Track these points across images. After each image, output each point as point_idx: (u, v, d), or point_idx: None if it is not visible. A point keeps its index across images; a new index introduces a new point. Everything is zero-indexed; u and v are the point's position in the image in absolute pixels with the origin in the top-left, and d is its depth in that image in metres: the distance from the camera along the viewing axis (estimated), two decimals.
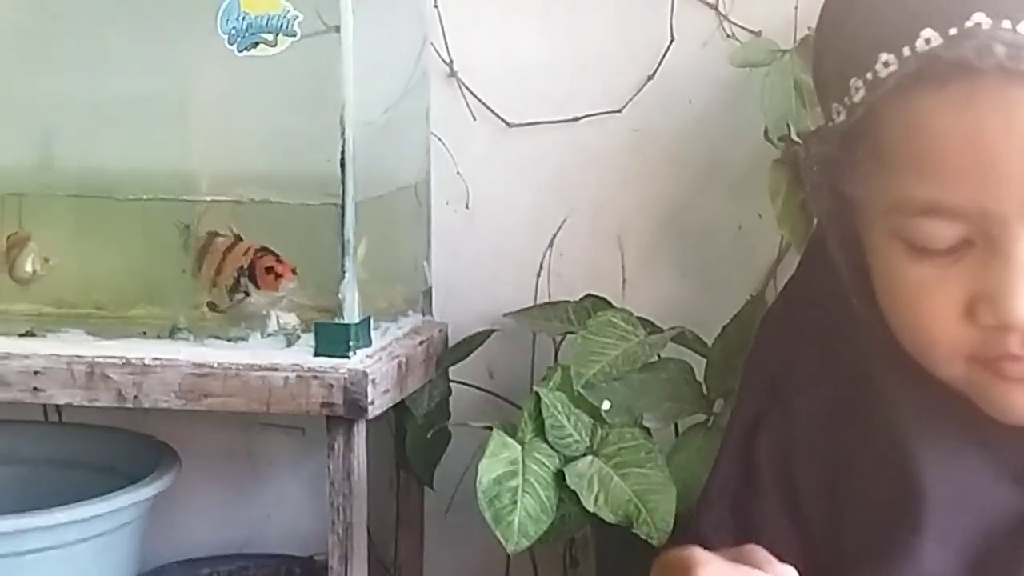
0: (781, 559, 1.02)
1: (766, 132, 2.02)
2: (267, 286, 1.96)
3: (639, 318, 2.04)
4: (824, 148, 0.97)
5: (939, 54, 0.90)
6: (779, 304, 1.15)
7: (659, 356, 2.02)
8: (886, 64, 0.92)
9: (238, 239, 2.00)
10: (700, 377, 2.02)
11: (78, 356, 1.96)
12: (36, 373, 1.96)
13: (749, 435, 1.10)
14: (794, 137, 1.98)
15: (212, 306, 2.02)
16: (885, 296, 0.99)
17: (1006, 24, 0.89)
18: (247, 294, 1.98)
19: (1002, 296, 0.92)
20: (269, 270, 1.96)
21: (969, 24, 0.90)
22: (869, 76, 0.93)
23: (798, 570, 1.00)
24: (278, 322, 1.99)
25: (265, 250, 1.98)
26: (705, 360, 2.03)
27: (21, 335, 2.03)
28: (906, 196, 0.94)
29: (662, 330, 2.05)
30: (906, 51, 0.91)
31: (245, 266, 1.97)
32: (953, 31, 0.90)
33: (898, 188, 0.94)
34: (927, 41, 0.91)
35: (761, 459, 1.08)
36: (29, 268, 2.07)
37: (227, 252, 1.99)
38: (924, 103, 0.92)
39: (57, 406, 2.25)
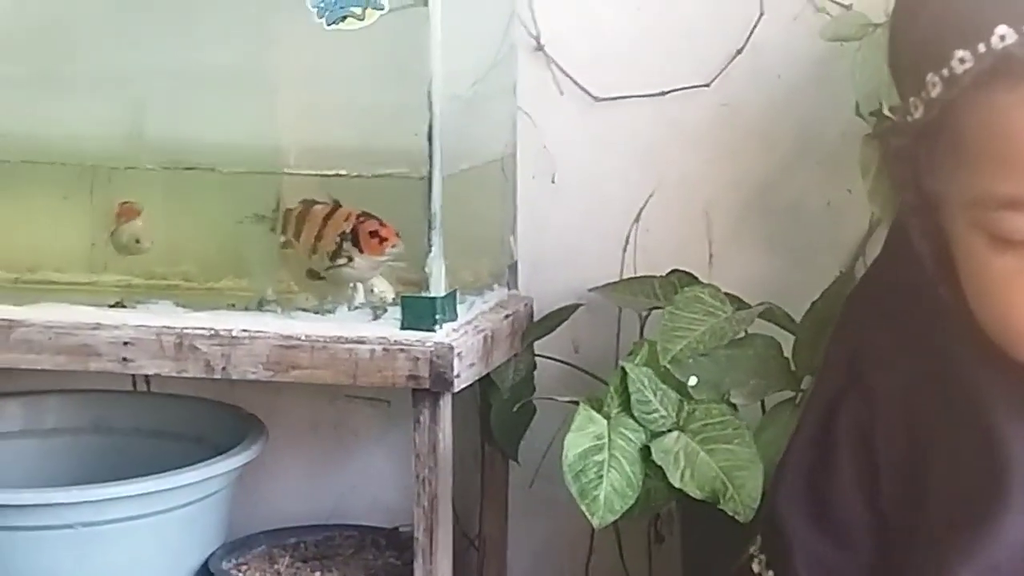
0: (854, 535, 1.07)
1: (857, 107, 2.00)
2: (371, 250, 1.97)
3: (726, 294, 2.03)
4: (903, 142, 0.99)
5: (1013, 52, 0.91)
6: (862, 287, 1.16)
7: (746, 332, 2.01)
8: (962, 61, 0.93)
9: (337, 205, 2.01)
10: (788, 354, 2.00)
11: (167, 327, 1.99)
12: (125, 344, 1.99)
13: (827, 413, 1.11)
14: (886, 112, 1.96)
15: (312, 274, 2.02)
16: (970, 287, 1.00)
17: None
18: (350, 259, 1.98)
19: None
20: (373, 234, 1.97)
21: None
22: (945, 72, 0.94)
23: (870, 546, 1.04)
24: (372, 291, 1.99)
25: (367, 215, 1.99)
26: (793, 337, 2.01)
27: (111, 306, 2.05)
28: (986, 191, 0.95)
29: (749, 306, 2.04)
30: (981, 48, 0.92)
31: (348, 231, 1.98)
32: None
33: (978, 183, 0.95)
34: (1002, 38, 0.92)
35: (839, 437, 1.10)
36: (124, 240, 2.09)
37: (327, 218, 2.00)
38: (1001, 100, 0.93)
39: (146, 376, 2.28)
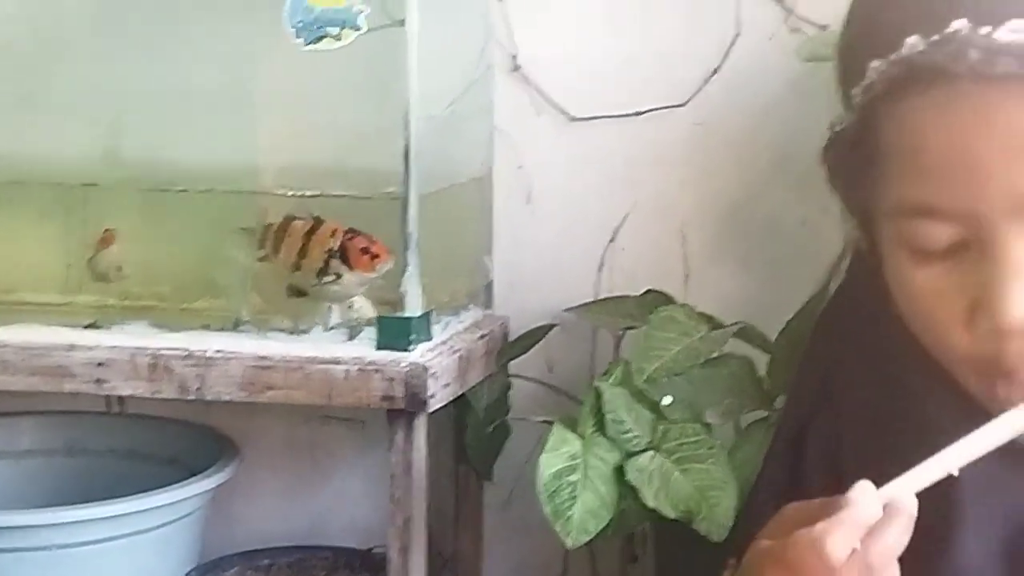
0: None
1: (832, 127, 2.01)
2: (362, 267, 1.96)
3: (701, 313, 2.05)
4: (836, 157, 1.02)
5: (917, 59, 0.95)
6: (830, 307, 1.17)
7: (721, 352, 2.02)
8: (876, 70, 0.96)
9: (319, 221, 2.00)
10: (762, 373, 2.02)
11: (141, 348, 1.99)
12: (100, 364, 1.99)
13: (797, 437, 1.13)
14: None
15: (295, 291, 2.01)
16: (900, 302, 1.02)
17: (984, 30, 0.93)
18: (338, 276, 1.97)
19: (993, 298, 0.94)
20: (364, 251, 1.96)
21: (949, 30, 0.94)
22: (865, 82, 0.97)
23: None
24: (351, 307, 1.99)
25: (354, 231, 1.98)
26: (768, 356, 2.03)
27: (86, 327, 2.06)
28: (900, 198, 0.97)
29: (724, 325, 2.05)
30: (893, 57, 0.95)
31: (335, 247, 1.97)
32: (935, 37, 0.94)
33: (894, 191, 0.98)
34: (912, 46, 0.95)
35: (808, 461, 1.11)
36: (103, 268, 2.10)
37: (310, 234, 1.99)
38: (910, 105, 0.96)
39: (120, 397, 2.29)
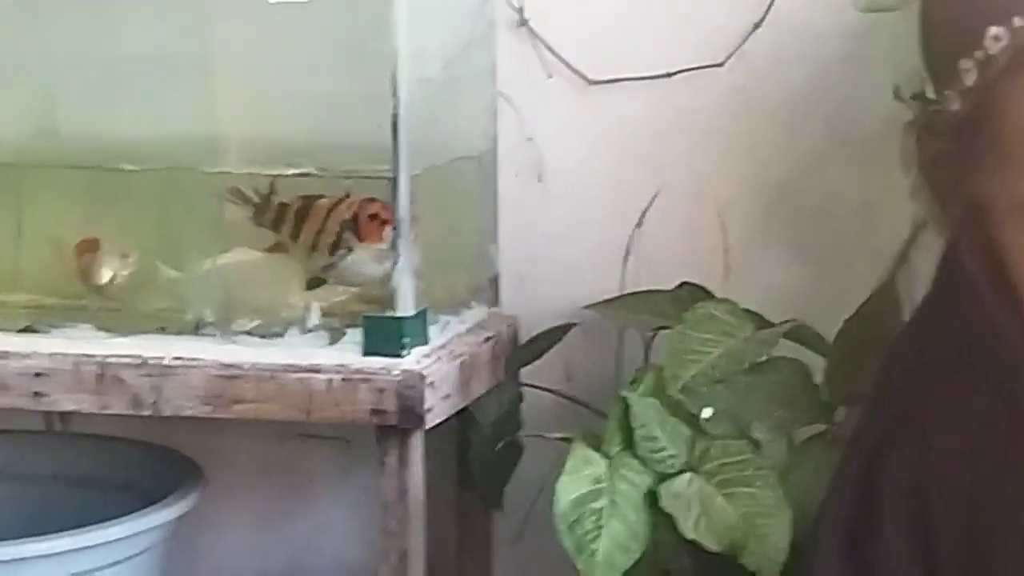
0: None
1: (897, 90, 1.95)
2: (370, 236, 1.97)
3: (745, 310, 2.04)
4: (940, 143, 1.02)
5: None
6: (912, 326, 1.22)
7: (769, 355, 2.00)
8: (996, 39, 0.97)
9: (345, 196, 2.02)
10: (818, 380, 2.01)
11: (86, 355, 2.00)
12: (37, 375, 2.00)
13: (872, 461, 1.15)
14: (928, 95, 1.94)
15: (317, 282, 2.02)
16: None
17: None
18: (350, 250, 1.98)
19: None
20: (373, 217, 1.97)
21: None
22: (979, 55, 0.98)
23: None
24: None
25: (372, 199, 1.99)
26: (824, 360, 2.02)
27: (20, 331, 2.06)
28: None
29: (773, 324, 2.04)
30: (1017, 21, 0.96)
31: (349, 218, 1.99)
32: None
33: None
34: None
35: (885, 491, 1.15)
36: (107, 272, 2.09)
37: (331, 210, 2.01)
38: None
39: (62, 413, 2.29)
